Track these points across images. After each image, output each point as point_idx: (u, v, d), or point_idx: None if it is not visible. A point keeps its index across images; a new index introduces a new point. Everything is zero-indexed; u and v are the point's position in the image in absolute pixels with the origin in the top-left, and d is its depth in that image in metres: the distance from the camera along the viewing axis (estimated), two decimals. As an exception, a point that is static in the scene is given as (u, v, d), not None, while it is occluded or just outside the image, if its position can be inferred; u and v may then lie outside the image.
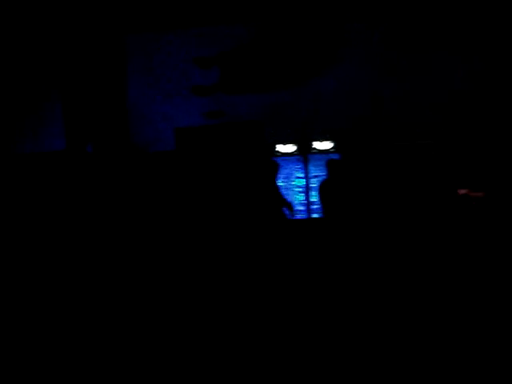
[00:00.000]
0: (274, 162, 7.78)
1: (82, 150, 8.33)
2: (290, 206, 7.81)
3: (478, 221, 6.63)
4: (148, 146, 8.81)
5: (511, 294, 5.20)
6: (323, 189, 7.54)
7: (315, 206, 8.26)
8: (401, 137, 8.36)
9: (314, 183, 8.27)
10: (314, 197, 8.23)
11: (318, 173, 8.29)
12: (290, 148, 8.44)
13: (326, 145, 8.40)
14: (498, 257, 5.92)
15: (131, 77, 9.09)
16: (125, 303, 5.64)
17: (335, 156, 8.13)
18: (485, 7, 8.25)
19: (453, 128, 8.32)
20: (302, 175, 8.41)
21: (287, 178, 8.18)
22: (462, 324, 4.56)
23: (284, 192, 7.90)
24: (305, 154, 8.42)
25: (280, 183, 7.98)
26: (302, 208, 8.42)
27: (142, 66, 9.09)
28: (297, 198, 8.35)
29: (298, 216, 8.38)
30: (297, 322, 5.02)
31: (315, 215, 8.27)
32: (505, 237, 6.09)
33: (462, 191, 7.17)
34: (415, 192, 7.73)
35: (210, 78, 8.89)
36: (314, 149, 8.47)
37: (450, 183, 7.44)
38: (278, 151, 8.45)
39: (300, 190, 8.40)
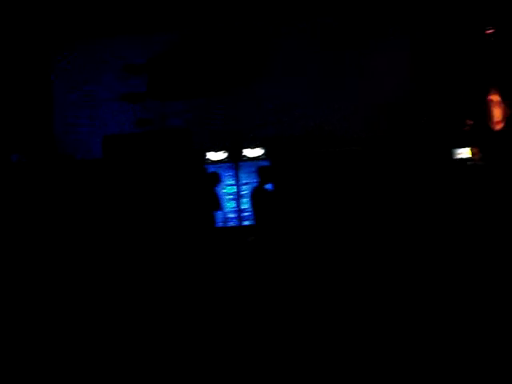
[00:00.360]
0: (216, 174, 7.73)
1: (7, 160, 8.00)
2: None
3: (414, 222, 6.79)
4: (75, 154, 8.54)
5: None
6: (255, 196, 7.52)
7: (246, 214, 8.24)
8: (329, 143, 8.47)
9: (245, 190, 8.26)
10: (245, 204, 8.22)
11: (249, 180, 8.28)
12: (220, 155, 8.39)
13: (257, 152, 8.40)
14: (420, 254, 6.08)
15: (58, 85, 8.81)
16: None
17: (266, 163, 8.14)
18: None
19: (379, 136, 8.51)
20: (232, 182, 8.38)
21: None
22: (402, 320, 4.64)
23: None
24: (235, 161, 8.40)
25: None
26: (232, 215, 8.39)
27: (69, 74, 8.83)
28: (228, 206, 8.31)
29: (229, 223, 8.34)
30: (223, 327, 4.98)
31: (246, 222, 8.25)
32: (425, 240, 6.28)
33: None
34: (345, 197, 7.85)
35: (140, 86, 8.72)
36: (245, 156, 8.45)
37: (378, 187, 7.60)
38: (208, 159, 8.39)
39: (231, 197, 8.37)
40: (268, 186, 7.55)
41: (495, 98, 6.84)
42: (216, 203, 7.71)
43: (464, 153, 8.03)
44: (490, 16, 7.80)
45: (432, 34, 8.51)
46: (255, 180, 7.85)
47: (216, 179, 7.71)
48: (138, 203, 7.33)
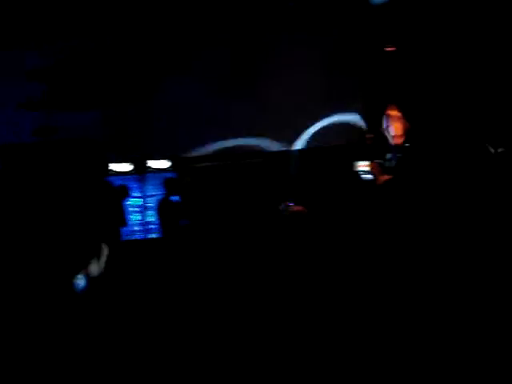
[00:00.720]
0: (124, 187, 7.56)
1: None
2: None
3: (312, 234, 6.93)
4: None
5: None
6: (161, 208, 7.44)
7: (152, 226, 8.10)
8: (235, 155, 8.53)
9: (151, 202, 8.12)
10: (152, 216, 8.08)
11: (155, 192, 8.15)
12: (126, 167, 8.20)
13: (163, 163, 8.29)
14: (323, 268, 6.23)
15: None
16: None
17: (172, 175, 8.06)
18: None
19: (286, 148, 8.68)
20: (138, 194, 8.21)
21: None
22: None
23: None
24: (141, 173, 8.24)
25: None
26: (138, 228, 8.22)
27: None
28: (133, 218, 8.13)
29: (135, 236, 8.15)
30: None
31: (153, 235, 8.11)
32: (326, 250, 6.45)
33: (296, 208, 7.46)
34: (249, 207, 7.92)
35: (41, 93, 8.34)
36: (150, 168, 8.32)
37: (278, 198, 7.73)
38: (111, 170, 8.17)
39: (136, 209, 8.19)
40: (174, 198, 7.50)
41: (394, 112, 7.14)
42: (121, 218, 7.55)
43: (363, 166, 8.34)
44: (390, 34, 8.20)
45: (335, 51, 8.82)
46: (162, 192, 7.76)
47: (124, 193, 7.56)
48: (38, 217, 7.01)
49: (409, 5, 8.03)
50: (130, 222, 7.95)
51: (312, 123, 8.86)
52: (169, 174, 8.04)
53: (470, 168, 5.82)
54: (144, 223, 8.22)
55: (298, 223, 7.13)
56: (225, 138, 8.65)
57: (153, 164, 8.29)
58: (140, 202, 8.23)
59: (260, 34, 8.68)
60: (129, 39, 8.49)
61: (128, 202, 7.95)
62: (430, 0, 8.02)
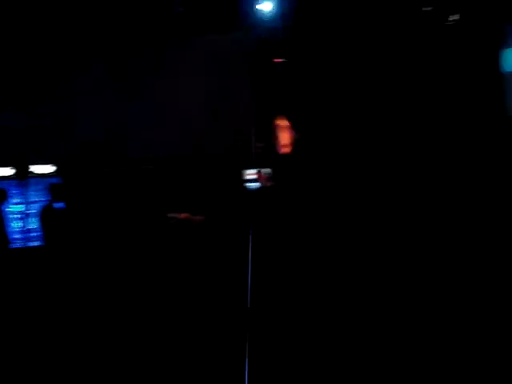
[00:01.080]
0: (3, 191, 7.16)
1: None
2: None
3: (199, 241, 6.93)
4: None
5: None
6: (44, 215, 7.13)
7: (34, 234, 7.76)
8: (126, 162, 8.37)
9: (34, 209, 7.78)
10: (33, 223, 7.74)
11: (38, 198, 7.82)
12: (6, 171, 7.81)
13: (47, 168, 7.98)
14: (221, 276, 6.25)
15: None
16: None
17: (57, 180, 7.76)
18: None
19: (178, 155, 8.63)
20: (19, 200, 7.84)
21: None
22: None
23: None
24: (23, 177, 7.88)
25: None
26: (18, 236, 7.83)
27: None
28: (13, 226, 7.74)
29: (15, 245, 7.76)
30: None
31: (34, 243, 7.77)
32: (226, 256, 6.48)
33: (184, 215, 7.44)
34: (140, 215, 7.81)
35: None
36: (32, 172, 7.98)
37: (166, 206, 7.69)
38: (-11, 174, 7.76)
39: (17, 216, 7.82)
40: (59, 205, 7.23)
41: (282, 122, 7.30)
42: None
43: (251, 174, 8.47)
44: (279, 46, 8.41)
45: (225, 59, 8.89)
46: (45, 198, 7.46)
47: (2, 196, 7.18)
48: None
49: (298, 17, 8.29)
50: (10, 230, 7.57)
51: (200, 129, 8.87)
52: (53, 180, 7.74)
53: (348, 174, 6.06)
54: (25, 231, 7.87)
55: (185, 230, 7.13)
56: (117, 144, 8.44)
57: (36, 169, 7.96)
58: (21, 208, 7.87)
59: (151, 38, 8.65)
60: (16, 38, 8.13)
61: (7, 208, 7.58)
62: (318, 13, 8.32)
